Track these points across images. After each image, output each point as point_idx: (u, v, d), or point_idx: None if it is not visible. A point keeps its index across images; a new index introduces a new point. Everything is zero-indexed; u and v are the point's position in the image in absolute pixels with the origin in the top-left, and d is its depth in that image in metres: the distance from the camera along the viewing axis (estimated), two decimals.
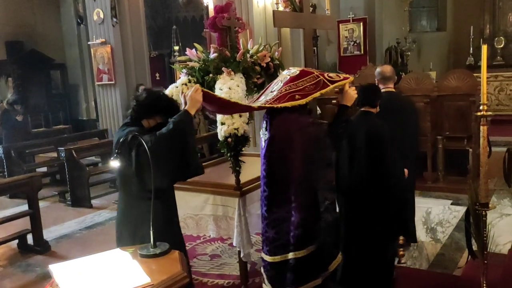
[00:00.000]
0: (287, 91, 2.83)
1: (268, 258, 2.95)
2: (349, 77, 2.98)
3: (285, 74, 3.05)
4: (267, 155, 2.89)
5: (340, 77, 2.95)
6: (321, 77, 2.89)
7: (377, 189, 3.12)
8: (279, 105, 2.74)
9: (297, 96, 2.78)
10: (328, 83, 2.85)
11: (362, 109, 3.28)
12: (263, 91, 3.32)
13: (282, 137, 2.83)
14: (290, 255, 2.84)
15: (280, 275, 2.89)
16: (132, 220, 2.74)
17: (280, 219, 2.87)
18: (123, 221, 2.82)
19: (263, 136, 2.98)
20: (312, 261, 2.84)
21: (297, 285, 2.84)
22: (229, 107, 3.00)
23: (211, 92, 2.77)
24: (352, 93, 2.96)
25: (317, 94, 2.81)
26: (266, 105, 2.81)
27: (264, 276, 3.01)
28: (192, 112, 2.64)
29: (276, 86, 3.01)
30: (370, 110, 3.27)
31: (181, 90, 3.01)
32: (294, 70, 3.03)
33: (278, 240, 2.88)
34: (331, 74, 2.96)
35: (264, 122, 2.95)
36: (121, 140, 2.58)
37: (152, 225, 2.44)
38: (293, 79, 2.91)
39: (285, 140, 2.82)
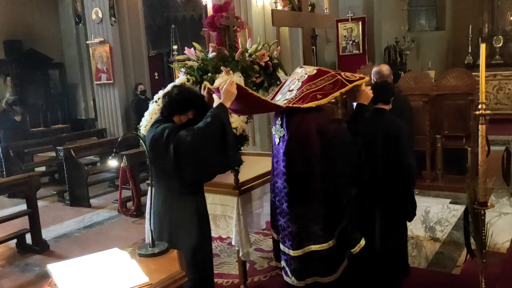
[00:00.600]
0: (308, 91, 2.90)
1: (291, 252, 3.02)
2: (364, 77, 3.07)
3: (301, 73, 3.09)
4: (287, 152, 2.95)
5: (356, 76, 3.04)
6: (339, 76, 2.98)
7: (395, 183, 3.22)
8: (304, 105, 2.82)
9: (318, 96, 2.86)
10: (347, 83, 2.94)
11: (376, 106, 3.30)
12: (278, 89, 3.35)
13: (303, 134, 2.91)
14: (316, 247, 2.95)
15: (305, 267, 2.99)
16: (173, 215, 2.73)
17: (303, 213, 2.96)
18: (162, 217, 2.77)
19: (277, 133, 3.05)
20: (337, 250, 2.98)
21: (326, 274, 2.97)
22: (257, 105, 2.98)
23: (244, 87, 2.80)
24: (368, 92, 3.05)
25: (337, 94, 2.91)
26: (294, 106, 2.86)
27: (287, 269, 3.07)
28: (227, 105, 2.68)
29: (293, 85, 3.05)
30: (384, 107, 3.30)
31: (204, 85, 3.00)
32: (310, 69, 3.09)
33: (302, 234, 2.97)
34: (347, 74, 3.04)
35: (279, 119, 3.01)
36: (155, 136, 2.58)
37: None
38: (311, 78, 2.98)
39: (306, 137, 2.89)
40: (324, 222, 2.94)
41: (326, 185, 2.93)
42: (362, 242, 3.08)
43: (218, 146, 2.59)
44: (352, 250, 3.05)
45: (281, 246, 3.13)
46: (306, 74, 3.04)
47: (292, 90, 2.99)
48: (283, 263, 3.14)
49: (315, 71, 3.03)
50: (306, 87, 2.93)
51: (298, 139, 2.91)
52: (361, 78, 3.03)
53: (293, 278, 3.03)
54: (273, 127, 3.10)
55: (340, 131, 3.03)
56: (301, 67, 3.25)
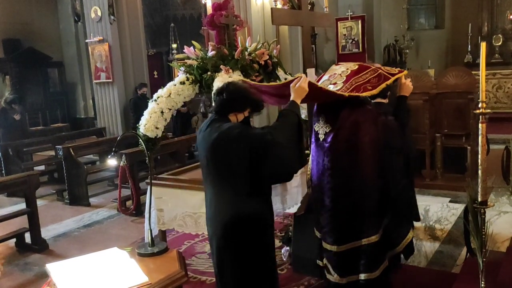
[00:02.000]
0: (358, 83, 2.98)
1: (335, 248, 3.01)
2: (403, 70, 3.18)
3: (341, 69, 3.14)
4: (333, 147, 2.97)
5: (395, 70, 3.15)
6: (380, 70, 3.08)
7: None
8: (363, 94, 2.92)
9: (369, 87, 2.95)
10: (389, 76, 3.04)
11: (374, 100, 3.29)
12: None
13: (351, 128, 2.94)
14: (364, 241, 2.95)
15: (349, 262, 2.99)
16: (239, 218, 2.55)
17: (347, 208, 2.96)
18: (223, 220, 2.58)
19: (321, 129, 3.06)
20: (380, 247, 2.98)
21: (366, 271, 2.96)
22: (320, 96, 2.99)
23: (314, 82, 2.83)
24: (409, 85, 3.17)
25: (383, 85, 2.99)
26: (354, 94, 2.92)
27: (329, 266, 3.07)
28: (299, 102, 2.66)
29: (336, 79, 3.09)
30: (382, 101, 3.31)
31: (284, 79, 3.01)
32: (351, 64, 3.17)
33: (345, 229, 2.98)
34: (387, 68, 3.15)
35: (322, 115, 3.05)
36: (222, 136, 2.46)
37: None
38: (355, 72, 3.06)
39: (354, 131, 2.93)
40: (369, 217, 2.96)
41: (374, 179, 2.95)
42: (410, 235, 3.17)
43: (296, 143, 2.57)
44: (396, 248, 3.12)
45: (323, 244, 3.11)
46: (348, 69, 3.12)
47: (336, 83, 3.04)
48: (324, 261, 3.12)
49: (357, 66, 3.11)
50: (354, 80, 3.00)
51: (346, 133, 2.94)
52: (400, 72, 3.13)
53: (335, 275, 3.02)
54: (315, 124, 3.12)
55: (388, 123, 3.06)
56: (337, 64, 3.31)
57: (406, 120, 3.17)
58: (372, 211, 2.97)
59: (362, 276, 2.98)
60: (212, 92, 2.74)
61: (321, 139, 3.05)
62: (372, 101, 3.29)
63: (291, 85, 2.71)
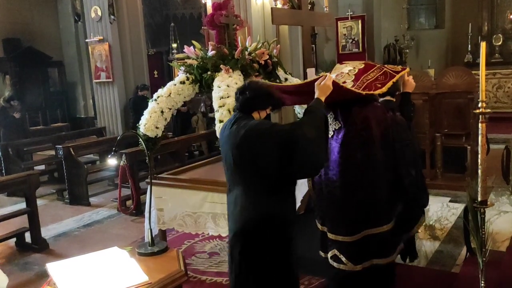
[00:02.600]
0: (368, 81, 3.08)
1: (347, 238, 3.08)
2: (406, 68, 3.29)
3: (349, 68, 3.21)
4: (345, 143, 3.06)
5: (398, 68, 3.24)
6: (385, 68, 3.18)
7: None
8: (377, 91, 3.03)
9: (378, 85, 3.05)
10: (394, 73, 3.14)
11: (383, 98, 3.37)
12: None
13: (362, 124, 3.05)
14: (374, 231, 3.06)
15: (362, 251, 3.09)
16: (267, 213, 2.57)
17: (362, 200, 3.05)
18: (249, 215, 2.59)
19: (331, 126, 3.15)
20: (395, 232, 3.14)
21: (383, 256, 3.11)
22: (341, 94, 3.02)
23: (336, 81, 2.89)
24: (412, 81, 3.29)
25: (390, 83, 3.08)
26: (371, 92, 3.01)
27: (341, 257, 3.12)
28: (323, 99, 2.71)
29: (347, 79, 3.15)
30: (391, 99, 3.38)
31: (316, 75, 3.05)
32: (357, 63, 3.26)
33: (359, 219, 3.07)
34: (389, 66, 3.24)
35: (331, 112, 3.13)
36: (249, 133, 2.47)
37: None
38: (363, 70, 3.15)
39: (365, 126, 3.05)
40: (382, 207, 3.08)
41: (385, 171, 3.08)
42: (423, 219, 3.32)
43: (322, 139, 2.61)
44: (411, 231, 3.29)
45: (331, 236, 3.17)
46: (355, 68, 3.20)
47: (346, 82, 3.10)
48: (333, 252, 3.17)
49: (363, 65, 3.21)
50: (364, 78, 3.09)
51: (358, 129, 3.05)
52: (403, 69, 3.24)
53: (349, 264, 3.09)
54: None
55: (396, 119, 3.18)
56: (342, 63, 3.37)
57: (411, 115, 3.29)
58: (385, 202, 3.09)
59: (380, 261, 3.12)
60: (234, 92, 2.75)
61: (330, 136, 3.13)
62: (381, 99, 3.36)
63: (316, 83, 2.77)
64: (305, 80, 3.18)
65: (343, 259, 3.11)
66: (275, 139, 2.44)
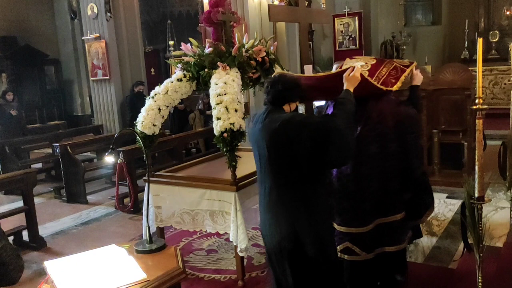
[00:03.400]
0: (383, 77, 3.14)
1: (362, 229, 3.14)
2: (413, 62, 3.36)
3: (360, 63, 3.22)
4: (362, 135, 3.10)
5: (406, 62, 3.31)
6: (395, 63, 3.25)
7: None
8: (394, 88, 3.10)
9: (392, 80, 3.11)
10: (404, 68, 3.21)
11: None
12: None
13: (377, 117, 3.12)
14: (389, 219, 3.15)
15: (375, 239, 3.17)
16: (303, 205, 2.62)
17: (375, 190, 3.12)
18: (282, 210, 2.63)
19: None
20: (406, 221, 3.24)
21: (394, 244, 3.21)
22: (364, 89, 3.05)
23: (363, 74, 2.94)
24: (420, 75, 3.37)
25: (403, 78, 3.16)
26: (389, 88, 3.07)
27: (354, 248, 3.17)
28: (352, 90, 2.77)
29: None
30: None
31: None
32: (368, 58, 3.33)
33: (372, 210, 3.14)
34: (397, 60, 3.30)
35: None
36: (285, 125, 2.53)
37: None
38: (375, 66, 3.19)
39: (380, 119, 3.12)
40: (394, 196, 3.16)
41: (398, 162, 3.15)
42: (432, 208, 3.42)
43: (353, 130, 2.69)
44: (420, 219, 3.41)
45: (342, 229, 3.21)
46: (367, 63, 3.24)
47: None
48: (344, 245, 3.20)
49: (374, 61, 3.25)
50: (379, 74, 3.14)
51: (373, 122, 3.11)
52: (410, 63, 3.30)
53: (363, 254, 3.16)
54: None
55: (409, 111, 3.24)
56: (351, 58, 3.40)
57: (419, 108, 3.38)
58: (398, 192, 3.17)
59: (392, 249, 3.21)
60: (265, 85, 2.77)
61: None
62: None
63: (344, 74, 2.82)
64: (331, 71, 3.19)
65: (357, 250, 3.17)
66: (310, 130, 2.50)
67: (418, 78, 3.40)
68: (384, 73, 3.17)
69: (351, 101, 2.70)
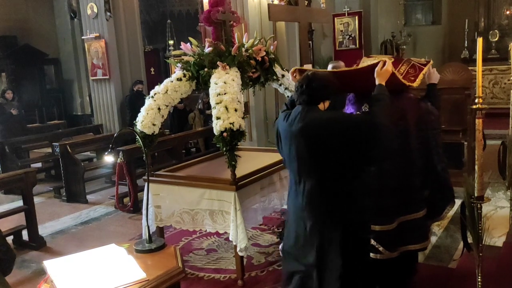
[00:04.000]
0: (402, 75, 3.18)
1: (387, 227, 3.14)
2: (430, 61, 3.39)
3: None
4: None
5: (422, 61, 3.34)
6: (413, 61, 3.28)
7: None
8: (414, 84, 3.14)
9: (411, 78, 3.15)
10: (422, 66, 3.24)
11: None
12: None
13: (399, 114, 3.11)
14: (411, 217, 3.15)
15: (398, 237, 3.16)
16: (346, 200, 2.70)
17: (397, 187, 3.13)
18: (326, 205, 2.69)
19: None
20: (427, 218, 3.26)
21: (418, 241, 3.23)
22: (392, 84, 3.09)
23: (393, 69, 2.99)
24: (437, 73, 3.38)
25: (421, 76, 3.21)
26: (411, 84, 3.12)
27: (379, 247, 3.17)
28: (384, 84, 2.81)
29: None
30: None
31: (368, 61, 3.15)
32: (385, 57, 3.24)
33: (396, 207, 3.14)
34: (415, 59, 3.33)
35: (365, 104, 3.18)
36: (332, 123, 2.58)
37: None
38: (394, 64, 3.17)
39: (401, 116, 3.12)
40: (416, 193, 3.18)
41: (419, 158, 3.17)
42: (452, 204, 3.42)
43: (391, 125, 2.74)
44: (441, 216, 3.41)
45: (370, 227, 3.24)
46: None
47: None
48: (372, 242, 3.19)
49: (392, 59, 3.24)
50: (397, 72, 3.14)
51: (395, 118, 3.10)
52: (427, 62, 3.33)
53: (386, 252, 3.16)
54: (355, 112, 3.26)
55: (429, 108, 3.27)
56: (369, 57, 3.41)
57: (438, 105, 3.39)
58: (419, 189, 3.19)
59: (417, 247, 3.24)
60: (296, 84, 2.80)
61: None
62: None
63: (376, 69, 2.84)
64: (361, 66, 3.20)
65: (380, 248, 3.17)
66: (355, 128, 2.56)
67: (435, 77, 3.41)
68: (402, 70, 3.21)
69: (388, 96, 2.75)
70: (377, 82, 2.81)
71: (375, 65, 2.88)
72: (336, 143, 2.56)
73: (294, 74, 3.19)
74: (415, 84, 3.14)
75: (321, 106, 2.70)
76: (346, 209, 2.65)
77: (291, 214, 2.84)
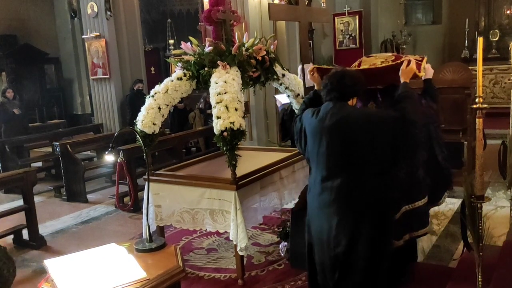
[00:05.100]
0: None
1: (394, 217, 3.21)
2: (424, 57, 3.46)
3: (380, 60, 3.33)
4: None
5: (420, 57, 3.40)
6: (411, 58, 3.27)
7: None
8: (420, 74, 3.22)
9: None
10: (419, 62, 3.29)
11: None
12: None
13: None
14: (415, 205, 3.25)
15: (403, 226, 3.25)
16: (381, 195, 2.76)
17: (403, 178, 3.18)
18: (354, 200, 2.72)
19: None
20: (428, 205, 3.38)
21: (421, 228, 3.35)
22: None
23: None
24: (431, 69, 3.46)
25: (423, 72, 3.28)
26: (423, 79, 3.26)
27: None
28: (408, 81, 2.93)
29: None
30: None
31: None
32: (386, 55, 3.40)
33: (402, 196, 3.20)
34: (412, 56, 3.35)
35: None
36: (368, 118, 2.66)
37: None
38: (396, 60, 3.26)
39: None
40: (421, 183, 3.26)
41: (425, 150, 3.26)
42: (445, 197, 3.61)
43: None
44: (440, 202, 3.56)
45: None
46: (386, 59, 3.35)
47: None
48: None
49: (393, 57, 3.34)
50: None
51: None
52: (422, 58, 3.40)
53: (393, 241, 3.20)
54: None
55: (429, 103, 3.35)
56: (369, 56, 3.47)
57: (437, 99, 3.48)
58: (423, 178, 3.27)
59: (420, 233, 3.36)
60: (327, 81, 2.83)
61: None
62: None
63: (402, 67, 2.94)
64: (385, 64, 3.27)
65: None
66: (390, 124, 2.62)
67: (430, 72, 3.49)
68: None
69: (413, 93, 2.84)
70: (402, 80, 2.92)
71: (399, 64, 2.98)
72: (370, 138, 2.62)
73: (313, 72, 3.23)
74: (421, 74, 3.24)
75: (350, 102, 2.79)
76: (375, 202, 2.71)
77: (314, 210, 2.86)
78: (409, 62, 2.95)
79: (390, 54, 3.47)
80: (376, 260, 2.76)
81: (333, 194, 2.71)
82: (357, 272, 2.75)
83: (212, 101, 3.69)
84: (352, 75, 2.77)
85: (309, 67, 3.49)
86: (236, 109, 3.58)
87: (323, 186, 2.76)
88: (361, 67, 3.34)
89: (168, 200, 4.08)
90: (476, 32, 12.04)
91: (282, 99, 5.60)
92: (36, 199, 5.58)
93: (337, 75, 2.76)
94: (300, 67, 4.88)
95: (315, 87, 3.20)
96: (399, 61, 3.04)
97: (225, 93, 3.63)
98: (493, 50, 12.06)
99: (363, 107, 2.85)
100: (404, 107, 2.71)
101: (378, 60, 3.33)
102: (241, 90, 3.86)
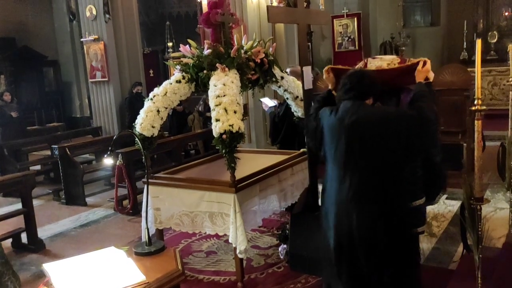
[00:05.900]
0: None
1: None
2: (425, 59, 3.44)
3: (386, 62, 3.32)
4: None
5: (422, 60, 3.41)
6: (412, 60, 3.34)
7: None
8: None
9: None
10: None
11: None
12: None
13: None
14: (415, 203, 3.25)
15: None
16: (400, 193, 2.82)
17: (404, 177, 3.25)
18: (372, 196, 2.75)
19: None
20: (426, 203, 3.40)
21: (420, 224, 3.33)
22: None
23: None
24: (431, 72, 3.43)
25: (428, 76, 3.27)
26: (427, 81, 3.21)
27: None
28: (423, 82, 3.00)
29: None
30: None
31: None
32: (391, 57, 3.39)
33: (410, 192, 3.23)
34: (414, 60, 3.39)
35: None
36: (388, 117, 2.72)
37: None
38: (401, 64, 3.30)
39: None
40: (420, 183, 3.27)
41: (434, 148, 3.29)
42: (442, 193, 3.73)
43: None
44: (434, 201, 3.62)
45: None
46: (392, 62, 3.35)
47: None
48: None
49: (399, 59, 3.36)
50: None
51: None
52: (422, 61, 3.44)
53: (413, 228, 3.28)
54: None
55: (429, 105, 3.37)
56: (374, 58, 3.46)
57: (435, 102, 3.45)
58: (421, 178, 3.27)
59: (420, 230, 3.36)
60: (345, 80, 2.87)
61: None
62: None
63: (418, 68, 3.02)
64: (400, 65, 3.28)
65: None
66: (410, 122, 2.66)
67: (430, 75, 3.47)
68: None
69: (429, 92, 2.89)
70: (417, 80, 2.99)
71: (415, 64, 3.05)
72: (389, 135, 2.66)
73: (328, 72, 3.27)
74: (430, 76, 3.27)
75: (368, 101, 2.83)
76: (393, 197, 2.75)
77: (331, 208, 2.86)
78: (425, 62, 3.02)
79: (394, 56, 3.49)
80: (401, 246, 2.81)
81: (351, 192, 2.74)
82: (383, 263, 2.77)
83: (211, 103, 3.69)
84: (370, 75, 2.85)
85: (308, 70, 3.50)
86: (235, 112, 3.58)
87: (341, 184, 2.78)
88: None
89: (167, 203, 4.08)
90: (475, 34, 12.08)
91: (268, 102, 5.60)
92: (35, 202, 5.57)
93: (357, 75, 2.84)
94: (289, 70, 4.91)
95: (329, 87, 3.24)
96: (415, 61, 3.10)
97: (224, 95, 3.63)
98: (492, 52, 12.09)
99: (380, 106, 2.91)
100: (421, 105, 2.75)
101: (384, 62, 3.35)
102: (240, 93, 3.86)
